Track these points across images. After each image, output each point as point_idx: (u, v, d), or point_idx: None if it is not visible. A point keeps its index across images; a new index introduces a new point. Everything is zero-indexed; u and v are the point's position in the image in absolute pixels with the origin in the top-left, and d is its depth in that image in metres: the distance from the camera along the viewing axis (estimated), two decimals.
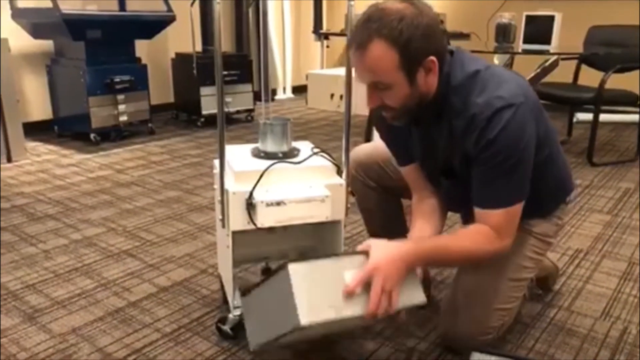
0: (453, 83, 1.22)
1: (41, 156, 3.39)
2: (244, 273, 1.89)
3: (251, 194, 1.39)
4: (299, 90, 5.72)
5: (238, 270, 1.89)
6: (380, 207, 1.65)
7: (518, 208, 1.24)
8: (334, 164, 1.50)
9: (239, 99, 4.36)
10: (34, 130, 3.79)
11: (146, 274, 1.89)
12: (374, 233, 1.68)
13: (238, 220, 1.41)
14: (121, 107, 3.70)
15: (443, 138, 1.29)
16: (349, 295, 1.11)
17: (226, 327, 1.51)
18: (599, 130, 3.34)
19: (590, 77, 3.48)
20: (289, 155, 1.53)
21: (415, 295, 1.21)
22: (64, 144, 3.69)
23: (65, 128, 3.86)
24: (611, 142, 3.80)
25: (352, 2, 1.41)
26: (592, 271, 1.95)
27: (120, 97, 3.68)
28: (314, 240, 1.75)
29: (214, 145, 3.61)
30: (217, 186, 1.50)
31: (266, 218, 1.37)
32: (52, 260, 1.98)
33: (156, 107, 4.31)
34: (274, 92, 5.68)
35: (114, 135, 3.76)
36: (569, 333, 1.57)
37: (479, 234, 1.25)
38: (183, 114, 4.44)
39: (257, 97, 5.36)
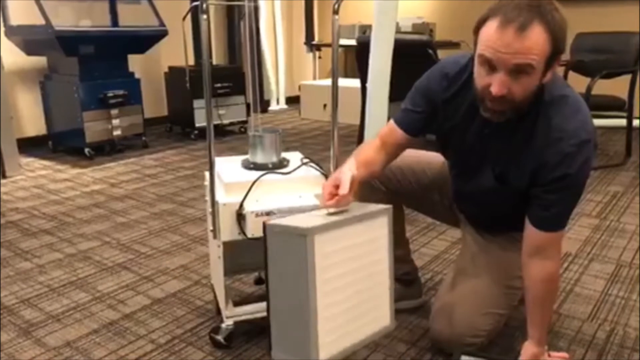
0: (546, 99, 1.24)
1: (35, 172, 3.41)
2: (237, 283, 1.91)
3: (241, 205, 1.41)
4: (293, 101, 5.77)
5: (231, 281, 1.91)
6: None
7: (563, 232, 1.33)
8: (322, 174, 1.53)
9: (232, 111, 4.40)
10: (29, 145, 3.81)
11: (140, 286, 1.91)
12: None
13: (228, 231, 1.43)
14: (115, 122, 3.73)
15: (511, 148, 1.29)
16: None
17: (219, 337, 1.53)
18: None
19: (578, 83, 3.53)
20: (278, 166, 1.56)
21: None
22: (58, 159, 3.71)
23: (59, 143, 3.88)
24: (600, 146, 3.84)
25: (337, 16, 1.45)
26: (580, 274, 1.97)
27: (114, 111, 3.71)
28: None
29: (207, 157, 3.63)
30: (208, 198, 1.53)
31: (256, 228, 1.40)
32: (47, 274, 1.99)
33: (150, 121, 4.35)
34: (268, 103, 5.72)
35: (108, 149, 3.79)
36: (557, 335, 1.60)
37: (547, 275, 1.32)
38: (177, 127, 4.47)
39: (249, 108, 5.42)
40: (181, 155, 3.76)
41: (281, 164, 1.57)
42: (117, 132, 3.76)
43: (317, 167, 1.55)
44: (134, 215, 2.60)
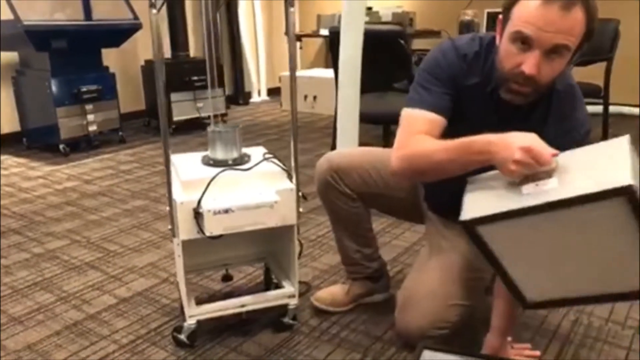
0: (558, 87, 1.25)
1: (9, 169, 3.35)
2: (205, 281, 1.90)
3: (199, 202, 1.39)
4: (275, 92, 5.72)
5: (199, 278, 1.90)
6: (350, 212, 1.62)
7: None
8: (283, 169, 1.51)
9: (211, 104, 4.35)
10: (2, 143, 3.75)
11: (107, 285, 1.88)
12: (340, 236, 1.68)
13: (187, 230, 1.41)
14: (90, 117, 3.68)
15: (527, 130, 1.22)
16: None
17: (182, 336, 1.51)
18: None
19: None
20: (239, 161, 1.53)
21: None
22: (32, 155, 3.66)
23: (34, 140, 3.82)
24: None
25: (292, 9, 1.42)
26: None
27: (89, 106, 3.66)
28: (272, 244, 1.76)
29: (184, 152, 3.59)
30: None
31: (214, 226, 1.38)
32: (12, 275, 1.96)
33: (127, 115, 4.29)
34: (249, 95, 5.68)
35: (84, 145, 3.74)
36: (522, 327, 1.60)
37: None
38: (154, 121, 4.42)
39: (231, 100, 5.38)
40: (158, 150, 3.72)
41: (242, 159, 1.54)
42: (92, 128, 3.70)
43: (279, 163, 1.53)
44: (105, 212, 2.57)
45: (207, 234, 1.39)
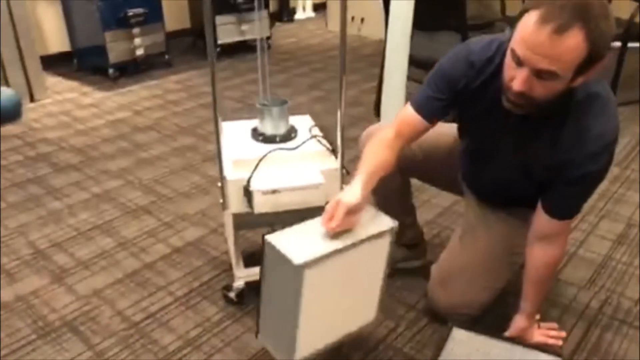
0: (578, 97, 1.20)
1: (62, 94, 3.47)
2: (251, 234, 2.01)
3: (249, 181, 1.46)
4: (320, 8, 5.53)
5: (244, 232, 2.01)
6: (390, 182, 1.63)
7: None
8: (328, 149, 1.54)
9: (255, 26, 4.26)
10: (54, 63, 3.83)
11: (161, 233, 2.03)
12: (380, 204, 1.72)
13: (237, 204, 1.50)
14: (137, 41, 3.70)
15: (539, 145, 1.28)
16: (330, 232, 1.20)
17: (231, 295, 1.66)
18: (632, 56, 3.16)
19: (622, 7, 3.27)
20: (286, 137, 1.57)
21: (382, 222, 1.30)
22: (83, 79, 3.75)
23: (84, 62, 3.90)
24: (637, 74, 3.65)
25: None
26: (587, 234, 2.00)
27: (136, 30, 3.67)
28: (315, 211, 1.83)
29: (230, 81, 3.63)
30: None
31: (263, 205, 1.46)
32: (76, 216, 2.13)
33: (173, 34, 4.27)
34: (294, 11, 5.52)
35: (131, 69, 3.79)
36: (552, 304, 1.67)
37: (550, 259, 1.39)
38: (200, 41, 4.40)
39: (274, 17, 5.24)
40: (204, 77, 3.75)
41: (289, 135, 1.58)
42: (139, 52, 3.74)
43: (324, 142, 1.56)
44: (155, 150, 2.69)
45: (256, 211, 1.47)
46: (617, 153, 2.62)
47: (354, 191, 1.24)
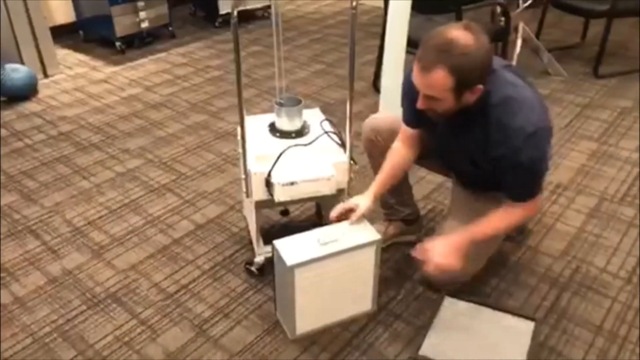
0: (492, 102, 1.45)
1: (73, 69, 3.61)
2: (266, 211, 2.24)
3: (269, 173, 1.68)
4: None
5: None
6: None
7: (540, 196, 1.58)
8: (338, 144, 1.76)
9: None
10: (60, 34, 3.92)
11: (184, 210, 2.26)
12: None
13: (259, 193, 1.73)
14: (142, 14, 3.81)
15: (474, 142, 1.52)
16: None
17: (253, 268, 1.90)
18: (615, 27, 3.33)
19: None
20: (300, 132, 1.79)
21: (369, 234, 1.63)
22: (91, 52, 3.87)
23: (90, 32, 4.01)
24: (625, 43, 3.83)
25: None
26: (565, 208, 2.25)
27: (140, 3, 3.77)
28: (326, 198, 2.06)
29: (232, 53, 3.75)
30: (241, 164, 1.78)
31: (282, 195, 1.68)
32: (104, 195, 2.35)
33: (172, 2, 4.33)
34: None
35: (137, 42, 3.91)
36: (530, 272, 1.93)
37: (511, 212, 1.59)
38: (200, 11, 4.49)
39: None
40: (207, 50, 3.88)
41: (303, 130, 1.80)
42: (144, 25, 3.85)
43: (335, 138, 1.78)
44: (170, 128, 2.88)
45: (276, 200, 1.70)
46: (594, 129, 2.84)
47: (367, 194, 1.64)
